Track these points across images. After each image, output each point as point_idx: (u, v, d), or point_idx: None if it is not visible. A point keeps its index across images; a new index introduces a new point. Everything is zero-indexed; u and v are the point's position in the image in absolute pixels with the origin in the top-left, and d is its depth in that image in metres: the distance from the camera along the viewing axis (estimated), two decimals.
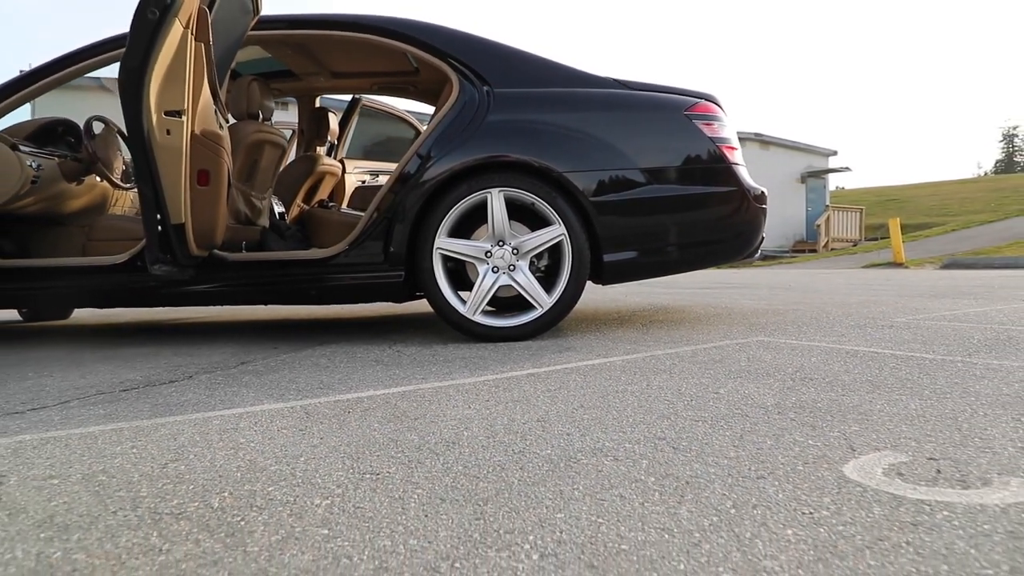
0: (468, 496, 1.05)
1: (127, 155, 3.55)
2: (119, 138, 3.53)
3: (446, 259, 2.71)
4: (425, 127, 3.20)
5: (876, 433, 1.31)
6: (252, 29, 2.98)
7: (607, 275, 2.74)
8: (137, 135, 2.44)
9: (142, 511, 1.03)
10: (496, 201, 2.65)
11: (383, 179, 4.89)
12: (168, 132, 2.47)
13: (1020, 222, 18.97)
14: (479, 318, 2.68)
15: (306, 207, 4.01)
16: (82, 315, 4.63)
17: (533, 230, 2.71)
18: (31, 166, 2.97)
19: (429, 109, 4.38)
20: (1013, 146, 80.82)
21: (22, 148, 2.98)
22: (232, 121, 3.17)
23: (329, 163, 4.19)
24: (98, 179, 3.45)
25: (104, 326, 3.97)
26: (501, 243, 2.68)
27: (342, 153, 4.73)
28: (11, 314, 4.53)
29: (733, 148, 2.86)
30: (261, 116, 3.35)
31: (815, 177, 22.90)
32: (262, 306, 4.72)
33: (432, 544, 0.89)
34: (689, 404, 1.58)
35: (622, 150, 2.72)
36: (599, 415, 1.51)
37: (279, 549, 0.89)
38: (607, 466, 1.17)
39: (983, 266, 10.76)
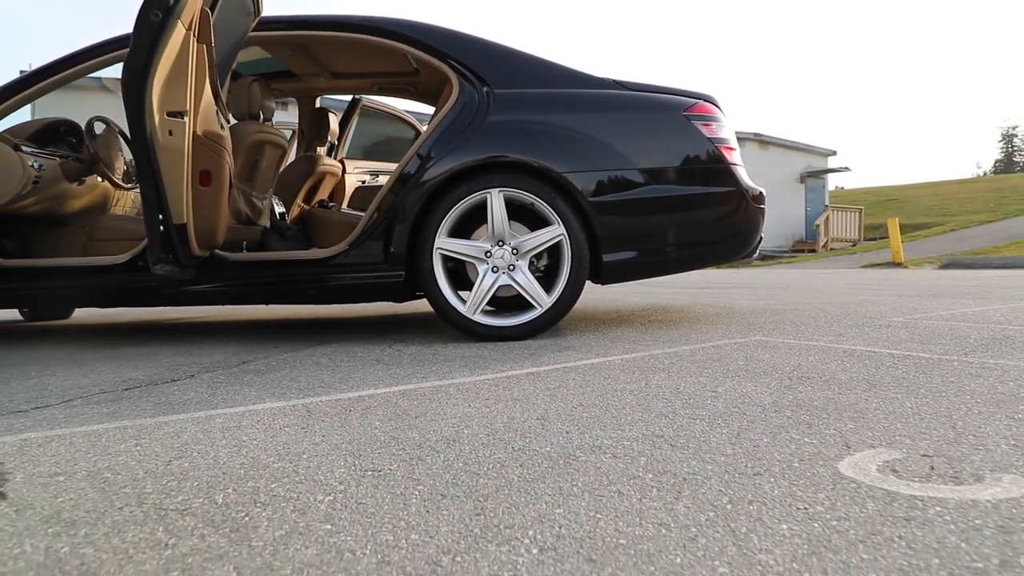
0: (469, 492, 1.07)
1: (128, 155, 3.57)
2: (120, 138, 3.54)
3: (446, 259, 2.73)
4: (425, 127, 3.22)
5: (871, 431, 1.33)
6: (253, 30, 2.99)
7: (606, 275, 2.76)
8: (140, 136, 2.45)
9: (147, 507, 1.05)
10: (496, 201, 2.67)
11: (383, 179, 4.90)
12: (170, 133, 2.49)
13: (1019, 222, 19.00)
14: (479, 317, 2.69)
15: (306, 207, 4.02)
16: (83, 315, 4.64)
17: (533, 230, 2.73)
18: (33, 166, 2.99)
19: (429, 109, 4.39)
20: (1012, 146, 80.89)
21: (24, 148, 3.00)
22: (233, 122, 3.18)
23: (329, 163, 4.21)
24: (99, 179, 3.47)
25: (105, 326, 3.98)
26: (501, 243, 2.69)
27: (342, 153, 4.75)
28: (12, 314, 4.55)
29: (732, 148, 2.87)
30: (262, 116, 3.37)
31: (814, 177, 22.93)
32: (263, 306, 4.74)
33: (433, 539, 0.91)
34: (687, 402, 1.60)
35: (621, 150, 2.74)
36: (598, 413, 1.53)
37: (283, 544, 0.90)
38: (606, 463, 1.19)
39: (982, 266, 10.78)
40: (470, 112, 2.78)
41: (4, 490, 1.14)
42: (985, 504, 0.95)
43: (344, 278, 2.82)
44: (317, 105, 4.40)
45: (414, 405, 1.66)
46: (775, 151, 21.66)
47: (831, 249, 19.27)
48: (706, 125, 2.82)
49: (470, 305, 2.68)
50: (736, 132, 3.05)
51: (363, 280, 2.81)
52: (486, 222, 2.70)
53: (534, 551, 0.86)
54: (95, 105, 4.91)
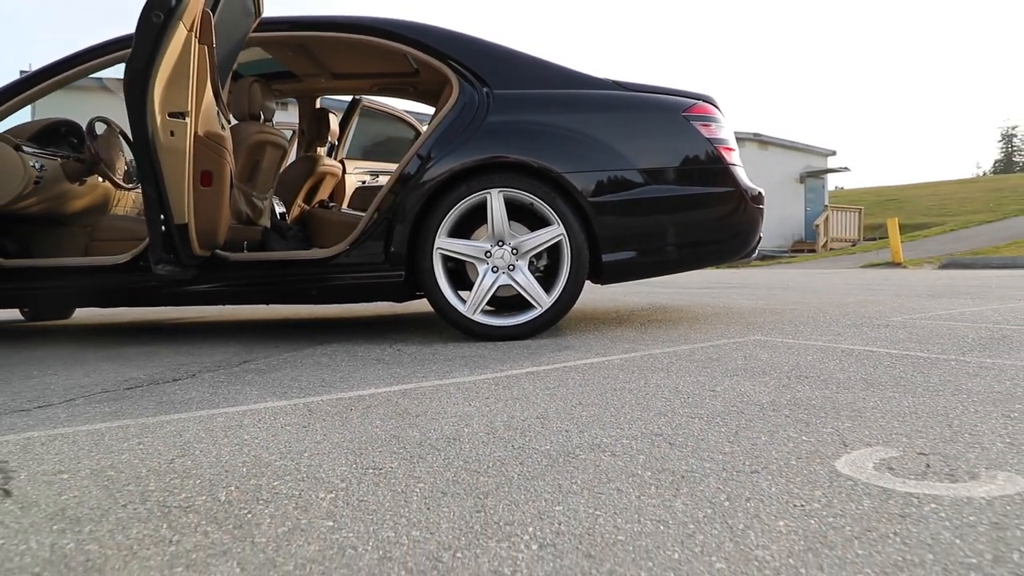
0: (469, 490, 1.08)
1: (129, 156, 3.58)
2: (121, 139, 3.55)
3: (446, 259, 2.74)
4: (425, 128, 3.23)
5: (868, 429, 1.34)
6: (254, 31, 3.00)
7: (606, 275, 2.77)
8: (142, 136, 2.47)
9: (151, 504, 1.06)
10: (496, 201, 2.68)
11: (383, 179, 4.92)
12: (172, 133, 2.50)
13: (1018, 222, 19.02)
14: (479, 317, 2.70)
15: (307, 207, 4.03)
16: (83, 315, 4.65)
17: (532, 230, 2.74)
18: (34, 167, 3.00)
19: (429, 110, 4.40)
20: (1012, 146, 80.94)
21: (25, 149, 3.00)
22: (234, 122, 3.19)
23: (329, 163, 4.22)
24: (100, 180, 3.48)
25: (106, 326, 3.99)
26: (501, 243, 2.71)
27: (342, 154, 4.76)
28: (13, 313, 4.55)
29: (731, 149, 2.88)
30: (262, 117, 3.38)
31: (814, 177, 22.95)
32: (263, 306, 4.75)
33: (434, 535, 0.92)
34: (686, 401, 1.61)
35: (620, 151, 2.75)
36: (597, 412, 1.54)
37: (286, 540, 0.92)
38: (605, 461, 1.20)
39: (981, 266, 10.80)
40: (470, 112, 2.79)
41: (9, 488, 1.15)
42: (980, 501, 0.97)
43: (344, 278, 2.83)
44: (317, 105, 4.41)
45: (414, 404, 1.68)
46: (774, 151, 21.68)
47: (830, 249, 19.29)
48: (705, 125, 2.83)
49: (470, 305, 2.69)
50: (735, 132, 3.05)
51: (363, 280, 2.82)
52: (486, 222, 2.71)
53: (534, 547, 0.87)
54: (96, 105, 4.93)
